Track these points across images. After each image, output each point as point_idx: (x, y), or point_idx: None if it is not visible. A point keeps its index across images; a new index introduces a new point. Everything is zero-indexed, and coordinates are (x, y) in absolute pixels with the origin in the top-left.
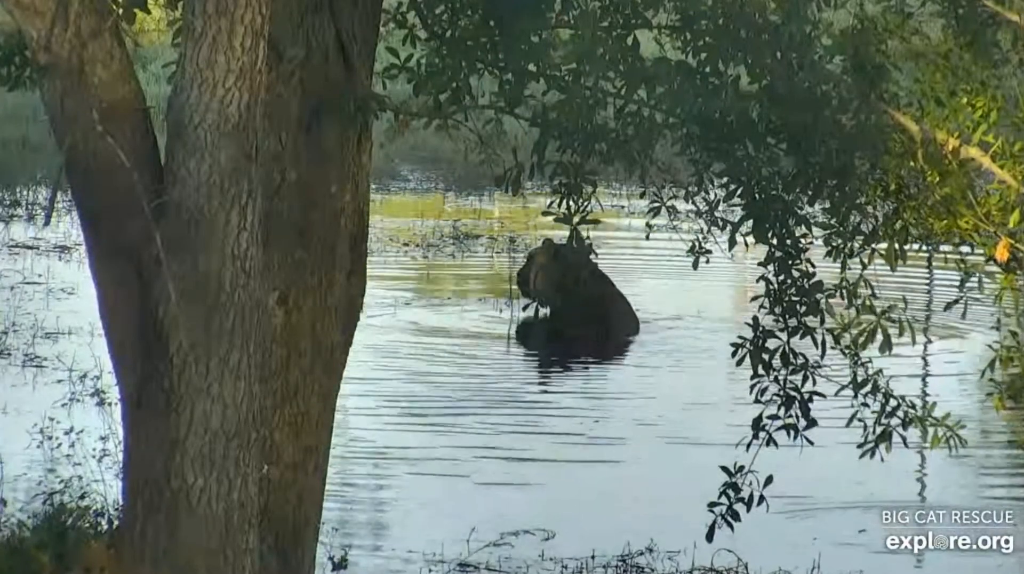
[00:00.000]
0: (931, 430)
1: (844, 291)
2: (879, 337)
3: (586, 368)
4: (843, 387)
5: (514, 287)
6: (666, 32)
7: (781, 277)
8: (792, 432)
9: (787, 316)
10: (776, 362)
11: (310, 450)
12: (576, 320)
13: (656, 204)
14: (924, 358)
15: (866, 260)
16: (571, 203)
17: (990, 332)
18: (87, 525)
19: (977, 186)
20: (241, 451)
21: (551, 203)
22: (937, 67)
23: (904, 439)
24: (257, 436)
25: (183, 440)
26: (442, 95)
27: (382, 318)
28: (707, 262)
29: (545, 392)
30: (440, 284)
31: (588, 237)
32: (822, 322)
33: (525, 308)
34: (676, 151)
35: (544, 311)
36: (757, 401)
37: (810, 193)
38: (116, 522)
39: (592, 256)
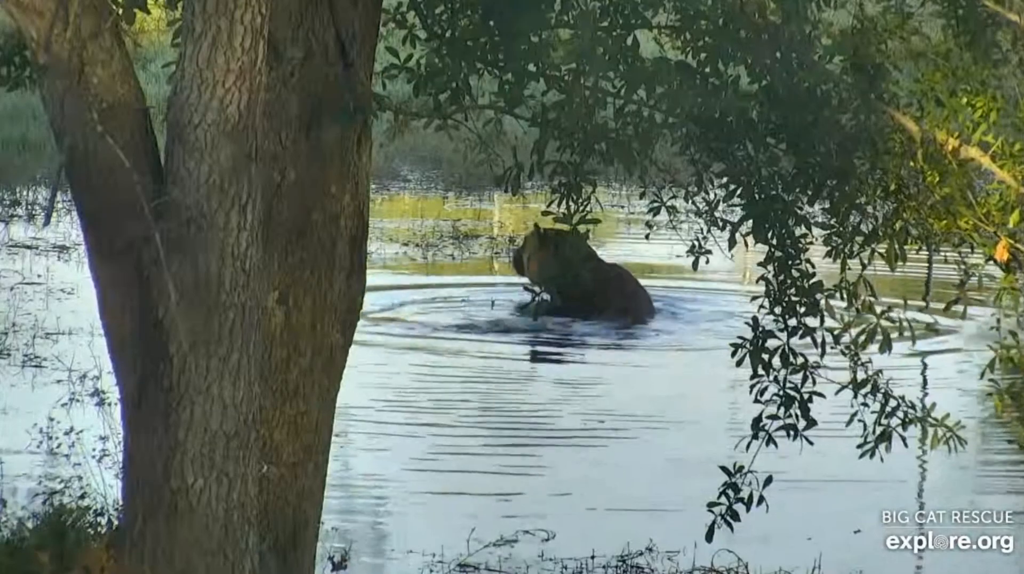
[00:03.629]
0: (931, 430)
1: (844, 291)
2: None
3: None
4: (843, 387)
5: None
6: (666, 32)
7: (781, 277)
8: (792, 432)
9: (787, 316)
10: (776, 362)
11: (310, 450)
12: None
13: (656, 204)
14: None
15: (866, 260)
16: (571, 203)
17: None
18: (87, 525)
19: (977, 186)
20: (241, 451)
21: (551, 203)
22: (937, 67)
23: (904, 439)
24: (257, 436)
25: (183, 440)
26: (442, 95)
27: (381, 314)
28: (707, 262)
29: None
30: (440, 284)
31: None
32: (822, 322)
33: (524, 308)
34: (676, 151)
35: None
36: (757, 401)
37: (810, 193)
38: (116, 522)
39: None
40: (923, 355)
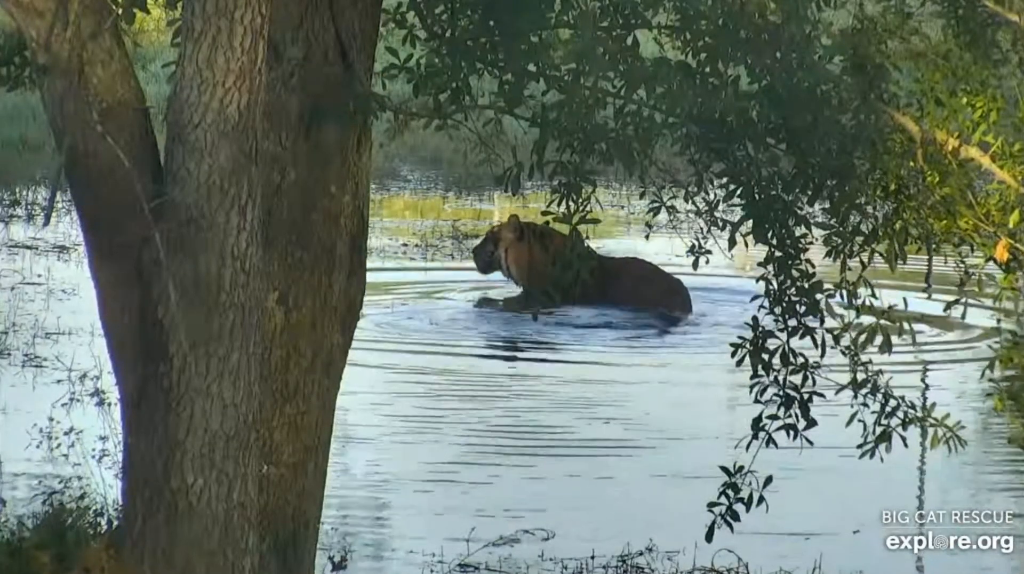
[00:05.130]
0: (931, 430)
1: (844, 291)
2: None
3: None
4: (843, 387)
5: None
6: (666, 32)
7: (781, 277)
8: (792, 432)
9: (787, 316)
10: (776, 362)
11: (310, 450)
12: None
13: (656, 204)
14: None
15: (866, 260)
16: (570, 203)
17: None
18: (87, 525)
19: (977, 186)
20: (241, 451)
21: (550, 203)
22: (937, 67)
23: (904, 439)
24: (257, 436)
25: (183, 440)
26: (442, 95)
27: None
28: (707, 262)
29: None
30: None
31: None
32: (822, 322)
33: (533, 313)
34: (676, 151)
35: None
36: (757, 401)
37: (810, 193)
38: (116, 522)
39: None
40: (924, 360)
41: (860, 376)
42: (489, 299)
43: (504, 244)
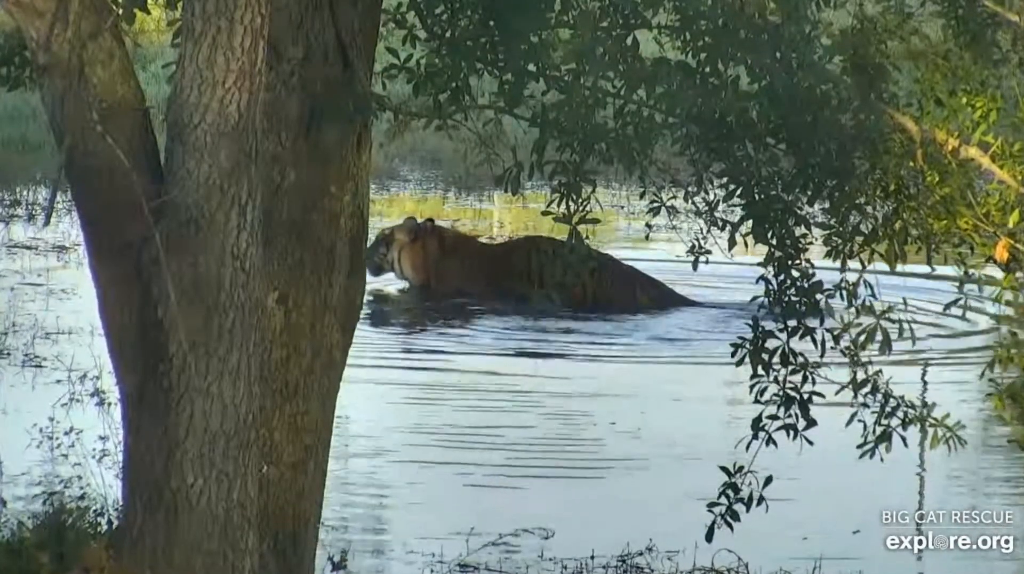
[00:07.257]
0: (931, 430)
1: (844, 291)
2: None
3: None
4: (843, 387)
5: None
6: (666, 32)
7: (781, 277)
8: (791, 432)
9: (787, 316)
10: (776, 362)
11: (310, 450)
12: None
13: (656, 204)
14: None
15: (866, 260)
16: (570, 203)
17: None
18: (87, 525)
19: (977, 186)
20: (241, 451)
21: (550, 203)
22: (937, 67)
23: (904, 439)
24: (257, 436)
25: (183, 440)
26: (442, 95)
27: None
28: (706, 262)
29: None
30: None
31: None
32: (822, 322)
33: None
34: (676, 151)
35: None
36: (757, 401)
37: (810, 193)
38: (116, 522)
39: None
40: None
41: (860, 376)
42: (384, 297)
43: (398, 246)
